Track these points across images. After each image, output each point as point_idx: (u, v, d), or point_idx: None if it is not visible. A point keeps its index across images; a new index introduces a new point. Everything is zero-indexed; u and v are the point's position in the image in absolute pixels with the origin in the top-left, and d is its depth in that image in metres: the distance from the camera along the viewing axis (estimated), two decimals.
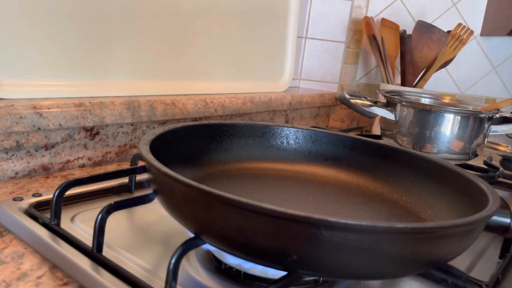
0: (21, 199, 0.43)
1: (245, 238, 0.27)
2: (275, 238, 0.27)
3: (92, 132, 0.57)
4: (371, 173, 0.48)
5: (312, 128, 0.53)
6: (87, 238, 0.37)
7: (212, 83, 0.77)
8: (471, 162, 0.71)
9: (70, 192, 0.43)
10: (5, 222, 0.40)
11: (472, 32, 0.95)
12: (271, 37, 0.89)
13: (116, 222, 0.42)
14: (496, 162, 0.71)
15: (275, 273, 0.33)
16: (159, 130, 0.41)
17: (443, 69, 1.07)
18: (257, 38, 0.86)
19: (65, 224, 0.40)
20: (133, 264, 0.35)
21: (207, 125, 0.48)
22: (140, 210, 0.46)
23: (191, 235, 0.31)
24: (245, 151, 0.50)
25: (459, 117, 0.66)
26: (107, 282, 0.31)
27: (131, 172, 0.48)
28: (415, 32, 0.94)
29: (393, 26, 1.00)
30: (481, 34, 1.07)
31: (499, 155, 0.76)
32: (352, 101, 0.71)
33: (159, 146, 0.39)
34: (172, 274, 0.29)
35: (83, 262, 0.33)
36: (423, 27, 0.93)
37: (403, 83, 0.98)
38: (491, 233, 0.42)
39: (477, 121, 0.66)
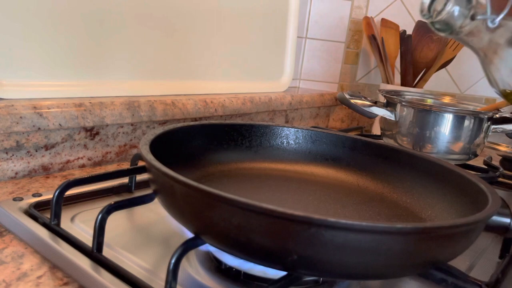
0: (21, 199, 0.43)
1: (245, 238, 0.27)
2: (275, 238, 0.27)
3: (92, 132, 0.57)
4: (371, 173, 0.48)
5: (312, 128, 0.53)
6: (87, 238, 0.37)
7: (212, 83, 0.77)
8: (471, 162, 0.71)
9: (70, 192, 0.43)
10: (5, 222, 0.40)
11: None
12: (271, 37, 0.89)
13: (116, 222, 0.42)
14: (496, 162, 0.71)
15: (275, 273, 0.33)
16: (159, 130, 0.41)
17: (443, 69, 1.07)
18: (257, 38, 0.86)
19: (65, 224, 0.40)
20: (133, 264, 0.35)
21: (207, 125, 0.48)
22: (140, 210, 0.46)
23: (191, 235, 0.31)
24: (245, 151, 0.50)
25: (459, 117, 0.66)
26: (107, 282, 0.31)
27: (131, 172, 0.48)
28: (415, 32, 0.94)
29: (393, 26, 1.00)
30: None
31: (499, 155, 0.76)
32: (352, 101, 0.71)
33: (159, 146, 0.39)
34: (172, 274, 0.29)
35: (83, 262, 0.33)
36: (423, 27, 0.93)
37: (403, 83, 0.98)
38: (491, 233, 0.42)
39: (477, 121, 0.66)
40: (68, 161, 0.56)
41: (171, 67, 0.70)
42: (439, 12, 0.36)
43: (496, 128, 0.68)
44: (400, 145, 0.69)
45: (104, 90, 0.61)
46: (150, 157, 0.33)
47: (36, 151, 0.52)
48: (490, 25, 0.35)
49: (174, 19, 0.69)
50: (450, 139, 0.66)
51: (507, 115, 0.68)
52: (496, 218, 0.36)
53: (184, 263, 0.35)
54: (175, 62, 0.71)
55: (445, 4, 0.36)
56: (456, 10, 0.36)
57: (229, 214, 0.27)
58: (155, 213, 0.46)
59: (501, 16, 0.35)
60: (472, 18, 0.36)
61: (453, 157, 0.68)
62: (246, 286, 0.34)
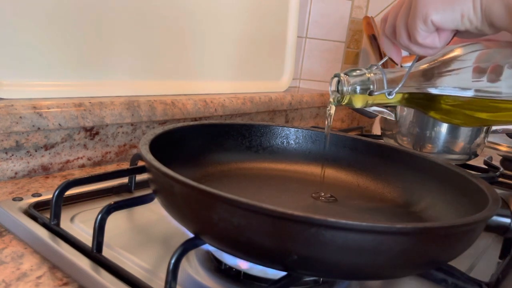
0: (21, 199, 0.43)
1: (245, 238, 0.27)
2: (275, 238, 0.27)
3: (92, 132, 0.57)
4: (371, 173, 0.48)
5: (312, 128, 0.53)
6: (87, 238, 0.37)
7: (212, 83, 0.77)
8: (471, 162, 0.71)
9: (70, 192, 0.43)
10: (5, 222, 0.40)
11: None
12: (271, 37, 0.89)
13: (116, 222, 0.42)
14: (496, 162, 0.71)
15: (275, 273, 0.33)
16: (159, 130, 0.41)
17: None
18: (257, 38, 0.85)
19: (65, 224, 0.40)
20: (133, 264, 0.35)
21: (207, 125, 0.48)
22: (140, 210, 0.46)
23: (191, 235, 0.31)
24: (245, 151, 0.50)
25: None
26: (107, 282, 0.31)
27: (131, 172, 0.48)
28: None
29: None
30: None
31: (499, 155, 0.76)
32: None
33: (159, 146, 0.39)
34: (172, 274, 0.29)
35: (83, 262, 0.33)
36: None
37: None
38: (491, 233, 0.42)
39: None
40: (67, 161, 0.56)
41: (171, 67, 0.70)
42: (342, 95, 0.39)
43: (496, 128, 0.68)
44: (400, 145, 0.69)
45: (104, 90, 0.61)
46: (149, 157, 0.33)
47: (36, 151, 0.52)
48: (388, 97, 0.38)
49: (174, 19, 0.69)
50: (450, 139, 0.66)
51: None
52: (496, 218, 0.36)
53: (184, 263, 0.35)
54: (175, 62, 0.71)
55: (342, 90, 0.38)
56: (357, 89, 0.38)
57: (229, 214, 0.27)
58: (155, 213, 0.45)
59: (397, 89, 0.37)
60: (370, 94, 0.38)
61: (453, 157, 0.68)
62: (246, 286, 0.34)
